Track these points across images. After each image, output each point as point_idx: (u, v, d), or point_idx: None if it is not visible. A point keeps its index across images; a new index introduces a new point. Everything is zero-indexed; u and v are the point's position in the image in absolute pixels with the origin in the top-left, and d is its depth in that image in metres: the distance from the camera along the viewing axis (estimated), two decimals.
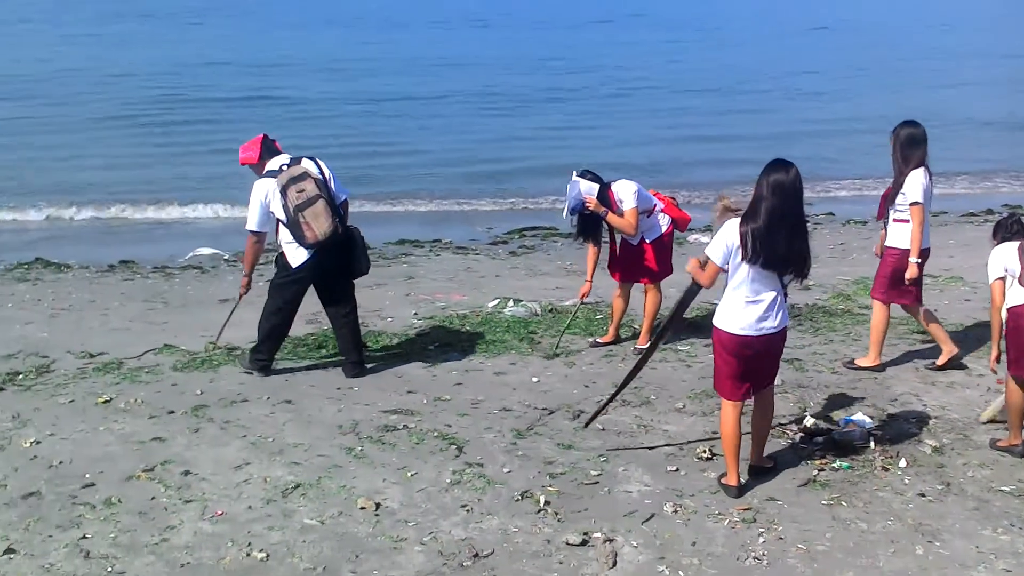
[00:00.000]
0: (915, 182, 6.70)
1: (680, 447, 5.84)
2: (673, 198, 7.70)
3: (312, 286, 6.86)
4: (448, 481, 5.37)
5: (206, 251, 11.95)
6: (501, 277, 10.45)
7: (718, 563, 4.59)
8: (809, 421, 6.12)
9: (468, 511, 5.05)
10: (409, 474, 5.44)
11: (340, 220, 6.61)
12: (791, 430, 6.06)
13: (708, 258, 5.09)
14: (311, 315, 8.25)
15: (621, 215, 7.29)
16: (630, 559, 4.63)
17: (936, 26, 51.57)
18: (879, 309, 7.12)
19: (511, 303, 8.78)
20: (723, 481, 5.30)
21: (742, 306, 5.05)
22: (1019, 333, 5.59)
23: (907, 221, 6.79)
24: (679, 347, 7.67)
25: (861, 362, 7.22)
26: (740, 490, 5.24)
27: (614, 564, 4.58)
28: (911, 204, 6.71)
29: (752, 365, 5.16)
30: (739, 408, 5.26)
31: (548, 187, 15.62)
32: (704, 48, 42.46)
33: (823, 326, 8.25)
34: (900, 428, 6.12)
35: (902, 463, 5.62)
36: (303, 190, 6.49)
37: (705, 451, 5.72)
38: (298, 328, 7.28)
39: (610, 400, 6.09)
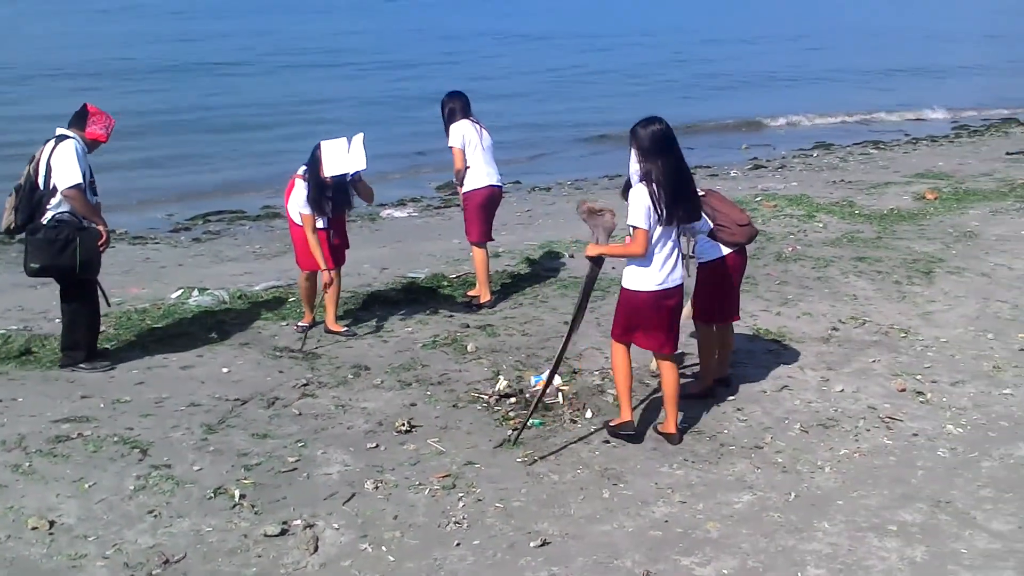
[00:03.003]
0: (452, 133, 7.93)
1: (379, 423, 5.80)
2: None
3: None
4: (132, 488, 4.99)
5: None
6: (184, 266, 9.86)
7: (420, 532, 4.62)
8: (502, 383, 6.30)
9: (156, 516, 4.73)
10: (87, 485, 5.00)
11: (30, 214, 6.34)
12: (486, 394, 6.20)
13: None
14: None
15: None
16: (332, 542, 4.54)
17: None
18: (477, 250, 8.11)
19: (196, 292, 8.32)
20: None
21: None
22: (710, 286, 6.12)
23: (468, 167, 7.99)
24: (376, 323, 7.62)
25: (472, 293, 8.30)
26: None
27: (315, 549, 4.47)
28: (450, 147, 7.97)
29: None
30: None
31: None
32: None
33: (513, 291, 8.52)
34: (585, 381, 6.46)
35: (588, 414, 5.93)
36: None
37: (404, 424, 5.72)
38: None
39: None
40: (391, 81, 25.63)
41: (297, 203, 7.09)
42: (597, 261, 5.52)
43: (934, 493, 5.07)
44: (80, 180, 6.30)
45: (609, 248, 5.54)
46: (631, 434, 5.54)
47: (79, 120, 6.47)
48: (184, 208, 13.44)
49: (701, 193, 6.12)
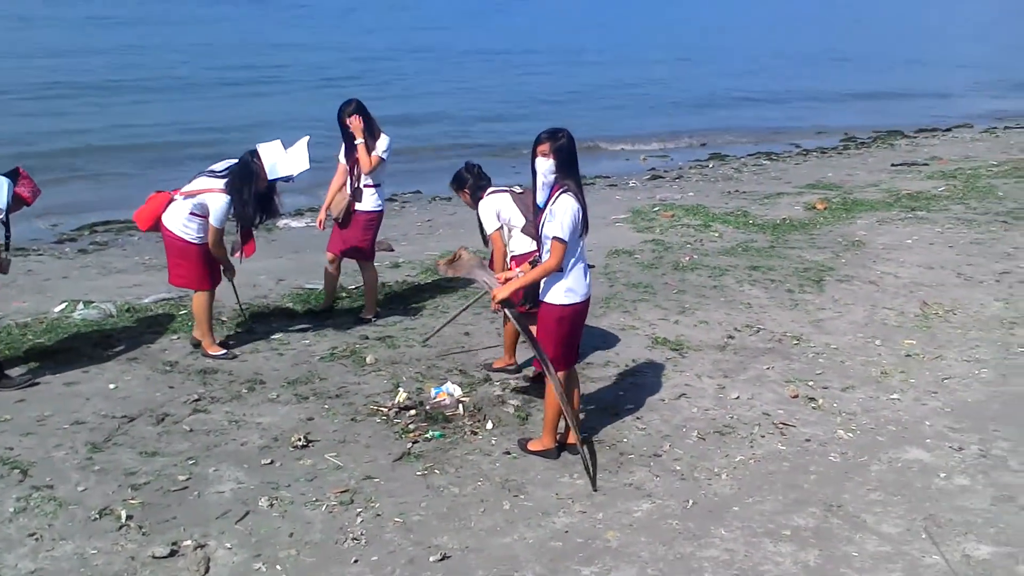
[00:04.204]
0: (383, 145, 7.44)
1: (275, 438, 5.66)
2: None
3: None
4: (12, 510, 4.76)
5: None
6: (69, 278, 9.45)
7: (316, 550, 4.50)
8: (402, 395, 6.22)
9: (37, 540, 4.52)
10: None
11: None
12: (385, 407, 6.11)
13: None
14: None
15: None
16: (224, 562, 4.39)
17: None
18: (374, 269, 7.92)
19: (81, 306, 7.99)
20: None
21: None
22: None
23: (379, 185, 7.64)
24: (272, 336, 7.44)
25: (366, 314, 7.87)
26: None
27: (207, 570, 4.32)
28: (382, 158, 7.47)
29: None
30: None
31: None
32: None
33: (413, 302, 8.43)
34: (486, 392, 6.42)
35: (488, 425, 5.89)
36: None
37: (300, 439, 5.58)
38: None
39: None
40: (290, 97, 25.11)
41: (212, 216, 6.59)
42: (508, 303, 5.37)
43: (826, 497, 5.19)
44: (2, 204, 6.14)
45: (523, 279, 5.23)
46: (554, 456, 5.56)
47: (11, 177, 6.33)
48: (70, 218, 12.84)
49: (519, 191, 6.23)
